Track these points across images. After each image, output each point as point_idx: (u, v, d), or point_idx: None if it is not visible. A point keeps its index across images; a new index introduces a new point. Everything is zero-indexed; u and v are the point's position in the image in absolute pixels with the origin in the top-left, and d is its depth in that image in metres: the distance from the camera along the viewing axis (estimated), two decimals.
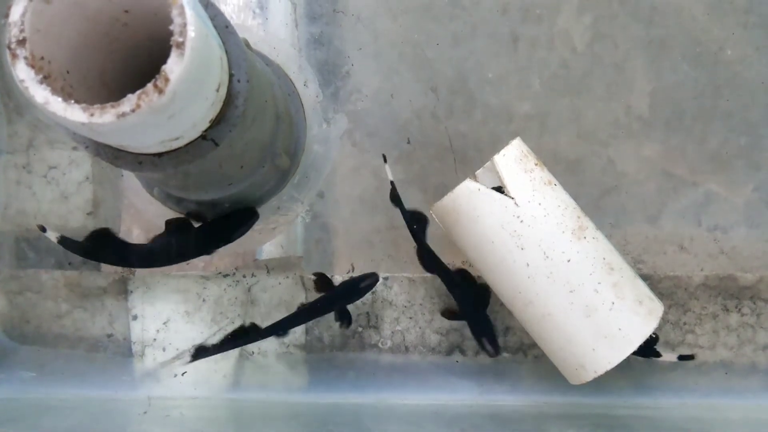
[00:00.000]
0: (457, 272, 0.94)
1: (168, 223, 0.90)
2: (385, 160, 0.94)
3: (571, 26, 0.99)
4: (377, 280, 0.93)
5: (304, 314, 0.94)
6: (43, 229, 0.89)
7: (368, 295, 0.97)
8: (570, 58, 0.99)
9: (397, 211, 0.94)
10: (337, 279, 0.97)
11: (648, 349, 0.88)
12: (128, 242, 0.92)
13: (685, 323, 0.96)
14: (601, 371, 0.82)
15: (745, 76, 0.98)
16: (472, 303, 0.93)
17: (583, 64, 0.99)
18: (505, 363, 0.96)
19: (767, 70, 0.98)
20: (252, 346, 0.98)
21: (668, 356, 0.92)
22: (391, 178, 0.93)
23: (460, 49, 0.99)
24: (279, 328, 0.92)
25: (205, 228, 0.91)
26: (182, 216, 0.91)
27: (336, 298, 0.94)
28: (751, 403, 0.95)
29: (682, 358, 0.93)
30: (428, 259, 0.92)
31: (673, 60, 0.98)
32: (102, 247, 0.91)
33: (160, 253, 0.90)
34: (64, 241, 0.90)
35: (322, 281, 0.96)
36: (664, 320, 0.94)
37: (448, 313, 0.97)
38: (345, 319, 0.96)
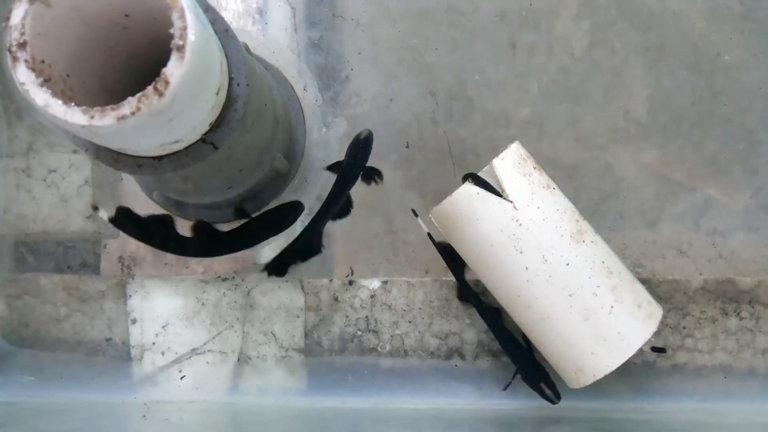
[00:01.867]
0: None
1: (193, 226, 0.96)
2: (416, 215, 0.96)
3: (570, 32, 0.99)
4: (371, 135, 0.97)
5: (332, 198, 0.97)
6: (96, 209, 0.95)
7: (367, 300, 0.97)
8: (568, 63, 0.99)
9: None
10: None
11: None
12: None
13: (684, 327, 0.96)
14: (600, 375, 0.82)
15: (742, 82, 0.98)
16: (521, 351, 0.93)
17: (582, 69, 0.99)
18: (504, 366, 0.96)
19: (765, 75, 0.98)
20: (251, 350, 0.98)
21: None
22: (427, 230, 0.95)
23: (459, 54, 0.99)
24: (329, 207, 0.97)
25: (256, 220, 0.96)
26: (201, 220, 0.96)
27: (352, 165, 0.97)
28: (750, 407, 0.95)
29: (654, 349, 0.94)
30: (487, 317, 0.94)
31: (671, 66, 0.99)
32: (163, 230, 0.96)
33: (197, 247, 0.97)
34: (117, 220, 0.95)
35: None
36: (663, 324, 0.94)
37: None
38: (376, 174, 0.98)
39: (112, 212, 0.94)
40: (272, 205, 0.97)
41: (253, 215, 0.96)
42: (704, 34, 0.99)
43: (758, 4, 0.98)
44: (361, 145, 0.97)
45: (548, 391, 0.91)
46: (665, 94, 0.99)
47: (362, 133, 0.97)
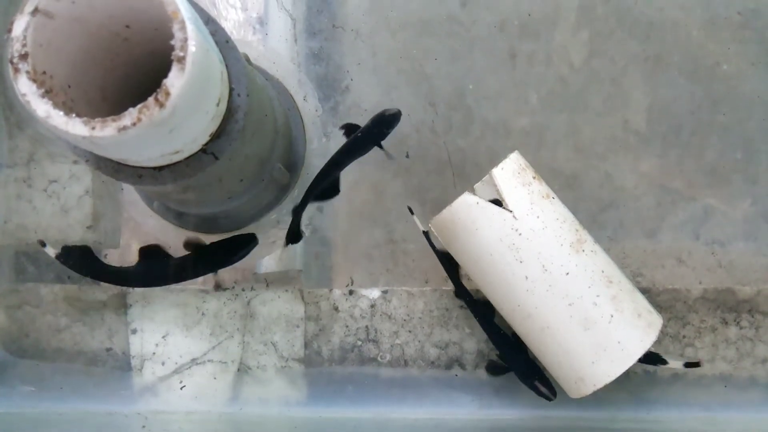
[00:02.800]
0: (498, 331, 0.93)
1: (141, 250, 0.93)
2: (412, 212, 0.94)
3: (569, 42, 1.00)
4: (399, 114, 0.93)
5: (338, 159, 0.93)
6: (43, 244, 0.90)
7: (367, 309, 0.97)
8: (567, 73, 1.00)
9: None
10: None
11: (654, 356, 0.88)
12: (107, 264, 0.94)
13: (684, 336, 0.96)
14: (600, 385, 0.82)
15: (740, 91, 0.99)
16: (515, 352, 0.92)
17: (581, 79, 1.00)
18: (504, 377, 0.96)
19: (762, 84, 0.98)
20: (251, 360, 0.97)
21: (674, 363, 0.91)
22: (422, 228, 0.92)
23: (459, 64, 1.00)
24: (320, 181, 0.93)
25: (207, 250, 0.92)
26: (154, 244, 0.93)
27: (368, 136, 0.93)
28: (750, 417, 0.95)
29: (688, 365, 0.92)
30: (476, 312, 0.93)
31: (669, 75, 0.99)
32: (86, 262, 0.93)
33: (138, 276, 0.93)
34: (61, 256, 0.91)
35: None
36: (663, 333, 0.94)
37: (492, 368, 0.96)
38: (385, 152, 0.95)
39: (59, 249, 0.91)
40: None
41: (208, 243, 0.92)
42: (702, 43, 0.99)
43: (756, 14, 0.99)
44: (383, 122, 0.93)
45: (543, 389, 0.90)
46: (664, 103, 0.99)
47: (390, 110, 0.93)
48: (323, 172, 0.93)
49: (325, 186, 0.94)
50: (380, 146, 0.94)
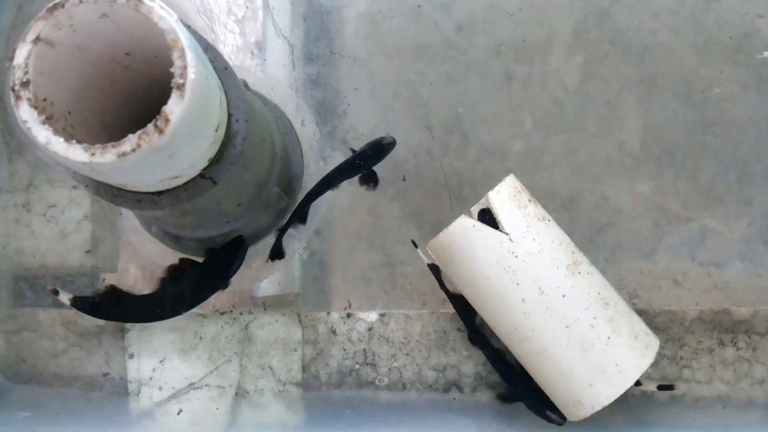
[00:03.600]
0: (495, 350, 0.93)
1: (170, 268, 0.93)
2: (416, 246, 0.94)
3: (563, 66, 1.01)
4: (394, 143, 0.96)
5: (332, 177, 0.95)
6: (56, 293, 0.90)
7: (365, 333, 0.97)
8: (562, 96, 1.01)
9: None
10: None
11: None
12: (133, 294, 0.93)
13: (681, 357, 0.96)
14: (598, 407, 0.81)
15: (733, 113, 1.00)
16: (522, 380, 0.91)
17: (576, 102, 1.01)
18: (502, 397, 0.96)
19: (754, 107, 0.99)
20: (249, 384, 0.97)
21: (649, 385, 0.90)
22: (427, 261, 0.92)
23: (454, 88, 1.01)
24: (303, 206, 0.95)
25: (199, 272, 0.92)
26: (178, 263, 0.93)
27: (363, 159, 0.96)
28: None
29: (662, 387, 0.92)
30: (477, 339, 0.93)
31: (663, 98, 1.00)
32: (113, 304, 0.92)
33: (158, 304, 0.92)
34: (76, 302, 0.91)
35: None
36: (660, 355, 0.94)
37: (504, 397, 0.96)
38: (372, 180, 0.97)
39: (71, 296, 0.91)
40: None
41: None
42: (695, 67, 1.01)
43: (747, 38, 1.00)
44: (379, 148, 0.96)
45: (554, 416, 0.90)
46: (658, 125, 1.00)
47: (386, 138, 0.96)
48: (315, 191, 0.95)
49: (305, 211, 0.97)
50: (371, 171, 0.97)
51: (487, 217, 0.82)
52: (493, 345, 0.92)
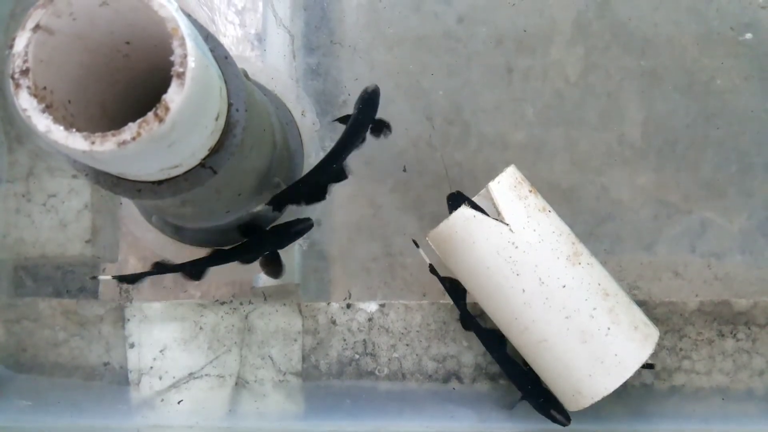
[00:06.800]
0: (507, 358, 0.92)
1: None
2: (417, 246, 0.93)
3: (564, 57, 1.01)
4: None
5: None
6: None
7: (365, 323, 0.97)
8: (563, 88, 1.01)
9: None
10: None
11: None
12: None
13: (681, 349, 0.96)
14: (597, 397, 0.82)
15: (734, 105, 0.99)
16: (528, 381, 0.91)
17: (577, 94, 1.00)
18: (502, 389, 0.96)
19: (756, 99, 0.99)
20: (249, 374, 0.97)
21: None
22: (429, 261, 0.91)
23: (455, 79, 1.01)
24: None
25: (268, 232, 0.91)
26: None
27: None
28: (748, 429, 0.95)
29: (644, 366, 0.91)
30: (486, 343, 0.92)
31: (664, 90, 1.00)
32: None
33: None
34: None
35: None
36: (660, 346, 0.94)
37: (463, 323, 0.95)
38: (384, 127, 0.92)
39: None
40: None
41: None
42: (697, 58, 1.01)
43: (748, 29, 1.00)
44: (368, 98, 0.91)
45: (559, 416, 0.90)
46: (659, 117, 1.00)
47: (369, 87, 0.91)
48: (321, 166, 0.91)
49: (313, 189, 0.92)
50: (374, 126, 0.92)
51: (488, 207, 0.82)
52: (483, 326, 0.92)
